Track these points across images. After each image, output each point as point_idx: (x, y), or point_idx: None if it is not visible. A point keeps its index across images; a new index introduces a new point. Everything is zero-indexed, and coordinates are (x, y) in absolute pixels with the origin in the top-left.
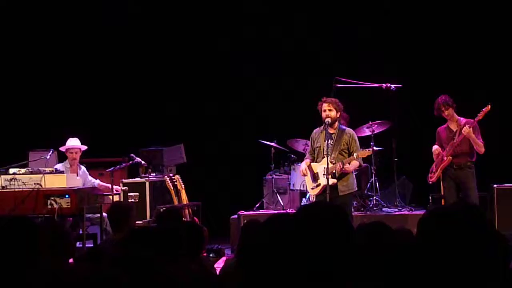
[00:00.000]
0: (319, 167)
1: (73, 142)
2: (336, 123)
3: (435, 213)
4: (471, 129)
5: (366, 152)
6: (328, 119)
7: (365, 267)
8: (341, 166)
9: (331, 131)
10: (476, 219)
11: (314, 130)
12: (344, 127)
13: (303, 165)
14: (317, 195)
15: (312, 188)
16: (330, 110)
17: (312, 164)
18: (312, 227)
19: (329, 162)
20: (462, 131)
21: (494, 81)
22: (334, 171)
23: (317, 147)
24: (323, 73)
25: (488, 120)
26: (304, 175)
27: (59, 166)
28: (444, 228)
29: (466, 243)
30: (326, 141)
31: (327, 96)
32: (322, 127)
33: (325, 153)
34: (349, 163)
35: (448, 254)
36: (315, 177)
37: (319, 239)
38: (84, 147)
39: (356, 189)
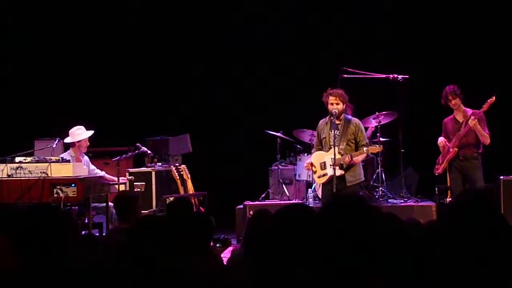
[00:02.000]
0: (327, 157)
1: (85, 133)
2: (342, 114)
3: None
4: (476, 120)
5: (376, 148)
6: (336, 111)
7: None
8: (350, 159)
9: (337, 121)
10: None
11: (320, 121)
12: (350, 117)
13: (309, 160)
14: (323, 184)
15: (319, 177)
16: (337, 103)
17: (319, 152)
18: (339, 219)
19: (336, 153)
20: (468, 123)
21: (501, 73)
22: (342, 163)
23: (324, 138)
24: (330, 63)
25: (494, 111)
26: (308, 169)
27: (64, 155)
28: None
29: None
30: (333, 132)
31: (333, 87)
32: (327, 117)
33: (331, 143)
34: (357, 156)
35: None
36: (322, 166)
37: (343, 231)
38: (91, 132)
39: (363, 179)
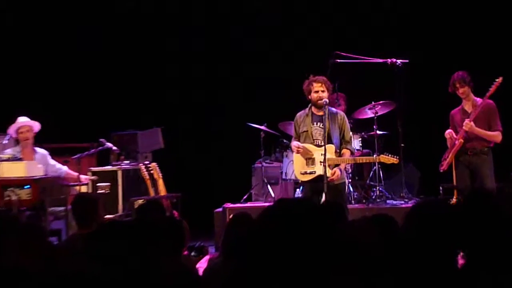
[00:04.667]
0: (316, 153)
1: (23, 119)
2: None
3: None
4: (472, 123)
5: (391, 159)
6: (325, 100)
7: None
8: (340, 172)
9: (319, 113)
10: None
11: (298, 114)
12: (334, 109)
13: (296, 142)
14: (306, 182)
15: (303, 173)
16: (323, 90)
17: (309, 145)
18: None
19: (332, 152)
20: (463, 127)
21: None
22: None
23: (304, 131)
24: (319, 48)
25: (506, 99)
26: (298, 152)
27: (8, 152)
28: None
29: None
30: (316, 125)
31: (323, 74)
32: (307, 109)
33: (315, 137)
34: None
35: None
36: (309, 162)
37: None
38: (37, 125)
39: (349, 179)
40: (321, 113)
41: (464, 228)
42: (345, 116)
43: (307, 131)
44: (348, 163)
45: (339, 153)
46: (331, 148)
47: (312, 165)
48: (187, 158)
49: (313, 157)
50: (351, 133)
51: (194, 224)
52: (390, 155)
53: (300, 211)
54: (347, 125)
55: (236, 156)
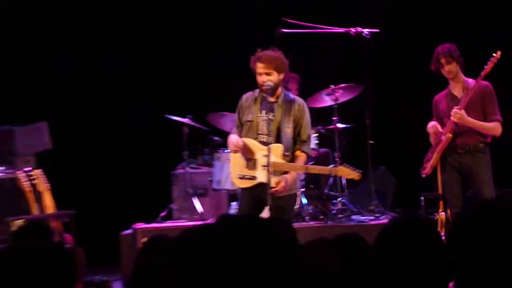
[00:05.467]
0: (259, 153)
1: None
2: (280, 89)
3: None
4: (462, 112)
5: (352, 174)
6: (268, 86)
7: None
8: (285, 184)
9: (271, 99)
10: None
11: (244, 96)
12: (292, 95)
13: (235, 137)
14: (244, 189)
15: (241, 177)
16: (267, 73)
17: (252, 141)
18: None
19: (278, 153)
20: (452, 117)
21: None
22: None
23: (248, 121)
24: (264, 14)
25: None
26: (236, 151)
27: None
28: None
29: None
30: (265, 115)
31: (266, 47)
32: (256, 91)
33: (260, 131)
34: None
35: None
36: (249, 164)
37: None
38: None
39: (300, 187)
40: (272, 99)
41: (458, 253)
42: (306, 106)
43: (252, 121)
44: (299, 172)
45: (290, 156)
46: (278, 148)
47: (253, 168)
48: (86, 163)
49: (254, 158)
50: (310, 129)
51: (94, 251)
52: (351, 168)
53: (247, 234)
54: (307, 119)
55: (150, 159)
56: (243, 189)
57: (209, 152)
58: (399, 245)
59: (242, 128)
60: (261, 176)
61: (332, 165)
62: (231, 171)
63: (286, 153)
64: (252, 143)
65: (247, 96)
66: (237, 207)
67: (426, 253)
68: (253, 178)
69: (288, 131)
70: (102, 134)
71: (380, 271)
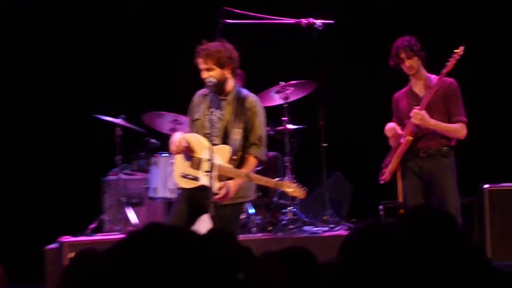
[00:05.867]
0: (205, 152)
1: None
2: (229, 84)
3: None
4: (423, 112)
5: (296, 191)
6: (210, 82)
7: None
8: (226, 192)
9: (221, 96)
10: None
11: (198, 92)
12: (245, 92)
13: (178, 136)
14: (185, 189)
15: (183, 176)
16: (208, 69)
17: (199, 138)
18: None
19: (226, 155)
20: (412, 118)
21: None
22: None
23: (197, 119)
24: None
25: (475, 86)
26: (178, 152)
27: None
28: None
29: None
30: (212, 113)
31: (211, 40)
32: (208, 89)
33: (206, 131)
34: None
35: None
36: (194, 163)
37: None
38: None
39: (253, 196)
40: (222, 97)
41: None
42: (259, 104)
43: (199, 119)
44: (244, 180)
45: (239, 159)
46: (224, 150)
47: (197, 168)
48: (3, 170)
49: (200, 156)
50: (265, 130)
51: (14, 267)
52: (296, 184)
53: (178, 244)
54: (260, 119)
55: (79, 165)
56: (184, 189)
57: (145, 156)
58: (364, 256)
59: (193, 126)
60: (204, 179)
61: (278, 178)
62: (175, 168)
63: (233, 157)
64: (197, 140)
65: (199, 94)
66: (171, 208)
67: (393, 261)
68: (196, 179)
69: (237, 131)
70: (21, 136)
71: (345, 285)
